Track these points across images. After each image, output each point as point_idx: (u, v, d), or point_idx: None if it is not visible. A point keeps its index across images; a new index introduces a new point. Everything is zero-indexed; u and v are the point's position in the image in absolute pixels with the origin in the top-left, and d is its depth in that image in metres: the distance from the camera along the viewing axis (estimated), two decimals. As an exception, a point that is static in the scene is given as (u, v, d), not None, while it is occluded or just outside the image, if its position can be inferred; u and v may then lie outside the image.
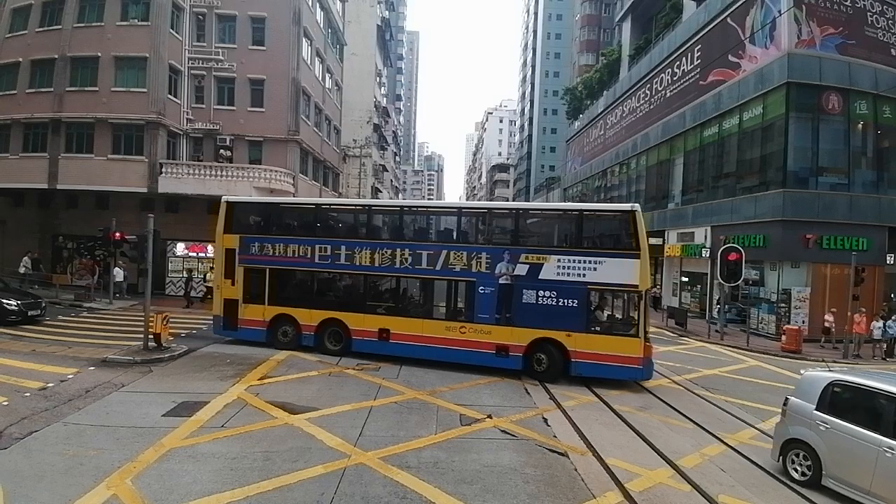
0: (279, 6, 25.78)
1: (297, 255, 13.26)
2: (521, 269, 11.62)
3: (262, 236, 13.77)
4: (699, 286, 25.47)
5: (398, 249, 12.54)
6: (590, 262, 11.21)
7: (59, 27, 23.21)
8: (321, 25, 31.55)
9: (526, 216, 13.10)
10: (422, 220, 13.98)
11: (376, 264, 12.65)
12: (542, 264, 11.47)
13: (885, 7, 20.89)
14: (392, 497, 5.91)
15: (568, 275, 11.30)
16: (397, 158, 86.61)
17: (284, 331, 13.41)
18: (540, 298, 11.45)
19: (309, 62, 28.70)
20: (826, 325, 18.57)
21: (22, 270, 21.77)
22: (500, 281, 11.72)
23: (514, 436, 8.15)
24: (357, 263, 12.81)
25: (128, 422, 7.94)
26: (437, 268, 12.16)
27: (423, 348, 12.20)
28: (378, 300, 13.21)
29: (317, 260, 13.11)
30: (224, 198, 14.57)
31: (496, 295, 11.75)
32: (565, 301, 11.30)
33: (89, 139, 22.99)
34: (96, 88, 22.83)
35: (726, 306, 21.21)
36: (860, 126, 20.44)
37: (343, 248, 12.95)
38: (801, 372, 8.26)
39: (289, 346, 13.23)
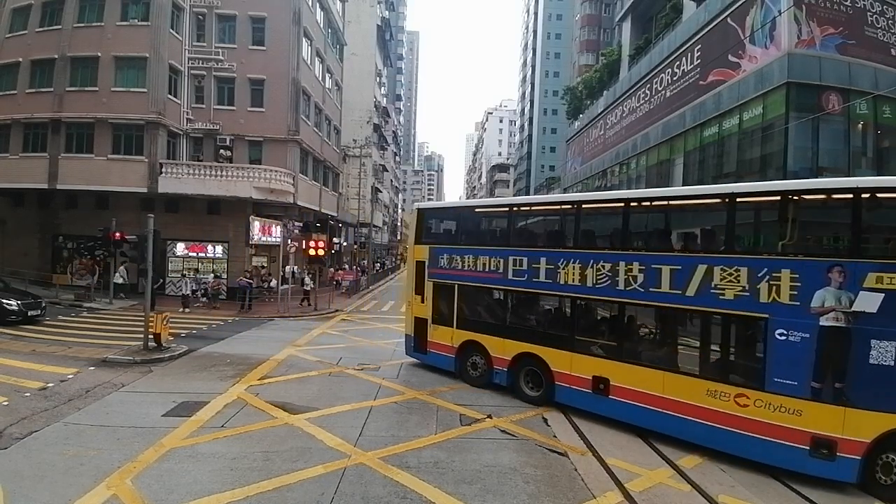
0: (279, 6, 25.82)
1: (486, 269, 10.78)
2: (870, 301, 6.37)
3: (451, 246, 11.86)
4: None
5: (621, 263, 8.66)
6: None
7: (59, 27, 23.25)
8: (321, 25, 31.56)
9: (876, 201, 6.92)
10: (658, 218, 9.40)
11: (588, 284, 9.07)
12: None
13: (885, 7, 20.89)
14: (392, 497, 5.91)
15: None
16: (397, 158, 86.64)
17: (474, 362, 11.08)
18: None
19: (309, 62, 28.72)
20: None
21: (120, 281, 21.68)
22: (823, 322, 6.63)
23: (514, 436, 8.14)
24: (561, 282, 9.50)
25: (128, 422, 7.93)
26: (689, 293, 7.80)
27: (664, 417, 8.01)
28: (592, 334, 9.68)
29: (510, 276, 10.35)
30: (416, 205, 13.39)
31: (813, 346, 6.70)
32: None
33: (89, 139, 23.02)
34: (96, 88, 22.86)
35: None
36: (860, 126, 20.45)
37: (543, 260, 9.86)
38: None
39: (480, 381, 10.89)
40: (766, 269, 7.12)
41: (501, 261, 10.51)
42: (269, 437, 7.56)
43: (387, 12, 60.13)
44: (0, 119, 23.57)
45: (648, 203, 9.81)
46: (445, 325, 11.66)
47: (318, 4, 30.63)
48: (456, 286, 11.44)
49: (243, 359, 12.51)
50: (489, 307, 11.35)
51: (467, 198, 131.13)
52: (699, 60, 25.22)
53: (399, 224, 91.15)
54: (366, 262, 41.73)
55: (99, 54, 22.80)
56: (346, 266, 40.65)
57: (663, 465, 7.27)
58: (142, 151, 22.93)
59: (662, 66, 29.15)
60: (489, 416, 8.97)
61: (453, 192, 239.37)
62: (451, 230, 12.72)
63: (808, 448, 6.75)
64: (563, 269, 9.48)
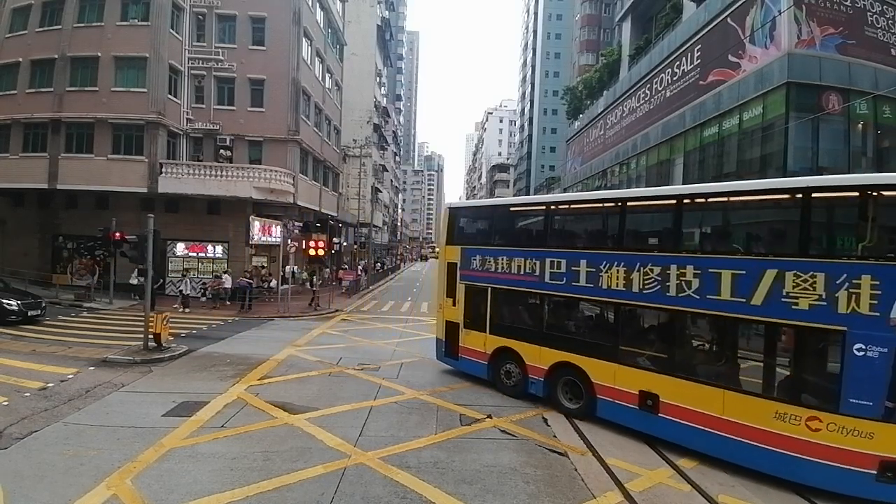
0: (279, 6, 25.82)
1: (522, 272, 10.13)
2: None
3: (484, 247, 11.22)
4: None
5: (673, 266, 7.81)
6: None
7: (59, 27, 23.26)
8: (321, 25, 31.57)
9: None
10: (716, 216, 8.55)
11: (634, 289, 8.27)
12: None
13: (885, 7, 20.90)
14: (392, 497, 5.92)
15: None
16: (397, 158, 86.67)
17: (508, 370, 10.44)
18: None
19: (309, 62, 28.73)
20: None
21: (134, 282, 21.72)
22: None
23: (514, 436, 8.15)
24: (603, 286, 8.73)
25: (128, 422, 7.94)
26: (754, 300, 6.96)
27: (723, 441, 7.16)
28: (639, 344, 8.81)
29: (547, 279, 9.68)
30: (446, 204, 12.98)
31: (890, 362, 6.11)
32: None
33: (89, 139, 23.02)
34: (96, 88, 22.87)
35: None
36: (860, 126, 20.46)
37: (583, 262, 9.09)
38: None
39: (514, 391, 10.28)
40: (845, 276, 6.28)
41: (538, 263, 9.85)
42: (269, 437, 7.56)
43: (387, 12, 60.15)
44: (0, 119, 23.57)
45: (704, 199, 8.66)
46: (478, 330, 11.08)
47: (318, 4, 30.63)
48: (489, 289, 10.83)
49: (243, 359, 12.51)
50: (524, 312, 10.66)
51: (468, 198, 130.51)
52: (699, 60, 25.23)
53: (399, 224, 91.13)
54: (365, 261, 41.77)
55: (99, 54, 22.80)
56: (347, 266, 40.69)
57: (663, 465, 7.27)
58: (142, 151, 22.93)
59: (662, 66, 29.16)
60: (489, 416, 8.97)
61: (453, 192, 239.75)
62: (485, 230, 12.12)
63: (875, 472, 6.17)
64: (606, 272, 8.70)
